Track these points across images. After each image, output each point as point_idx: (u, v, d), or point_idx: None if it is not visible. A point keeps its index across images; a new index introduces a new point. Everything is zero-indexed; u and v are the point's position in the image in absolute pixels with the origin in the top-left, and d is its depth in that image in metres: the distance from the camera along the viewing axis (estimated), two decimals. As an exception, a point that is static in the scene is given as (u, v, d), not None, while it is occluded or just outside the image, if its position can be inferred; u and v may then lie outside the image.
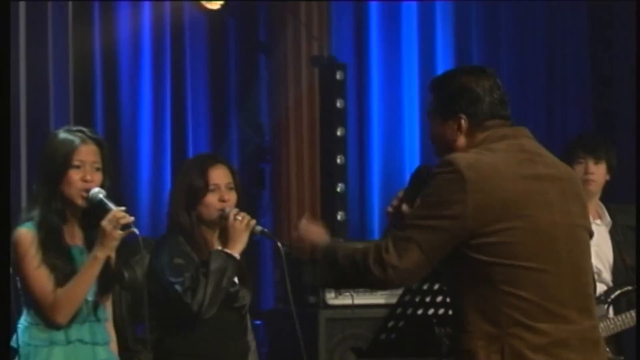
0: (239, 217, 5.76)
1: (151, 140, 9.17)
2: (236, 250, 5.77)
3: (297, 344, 6.48)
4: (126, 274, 5.92)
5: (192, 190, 5.88)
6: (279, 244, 6.20)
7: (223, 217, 5.80)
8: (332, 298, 7.31)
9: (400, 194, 4.57)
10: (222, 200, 5.83)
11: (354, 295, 7.30)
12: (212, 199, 5.83)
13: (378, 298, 7.22)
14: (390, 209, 4.56)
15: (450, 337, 4.30)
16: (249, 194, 6.11)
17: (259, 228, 5.89)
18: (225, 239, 5.85)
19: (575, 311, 4.14)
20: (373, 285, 4.30)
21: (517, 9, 9.94)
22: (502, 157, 4.21)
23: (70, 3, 8.67)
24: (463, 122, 4.34)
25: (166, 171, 8.96)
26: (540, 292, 4.11)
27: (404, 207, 4.49)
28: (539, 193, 4.15)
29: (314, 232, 4.40)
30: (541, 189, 4.16)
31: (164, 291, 5.72)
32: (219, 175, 5.90)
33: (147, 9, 9.15)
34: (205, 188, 5.85)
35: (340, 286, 4.62)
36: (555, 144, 9.19)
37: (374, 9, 9.63)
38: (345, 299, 7.31)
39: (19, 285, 5.47)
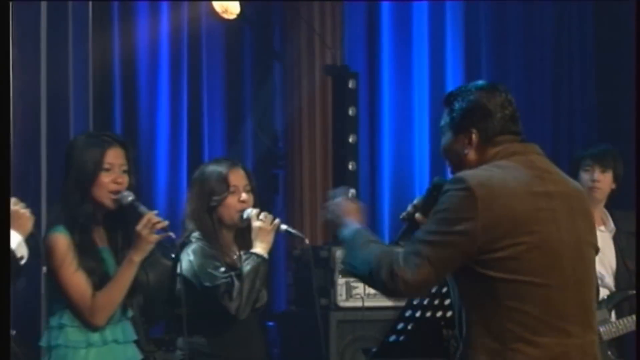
0: (262, 217, 5.76)
1: (168, 144, 9.17)
2: (264, 251, 5.77)
3: (309, 345, 6.48)
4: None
5: (214, 193, 5.87)
6: (307, 240, 6.25)
7: (243, 218, 5.80)
8: (343, 300, 7.33)
9: (417, 202, 4.58)
10: (241, 201, 5.82)
11: (364, 298, 7.32)
12: (232, 200, 5.83)
13: (387, 301, 7.22)
14: (404, 215, 4.59)
15: (460, 353, 4.27)
16: (262, 199, 6.08)
17: (284, 227, 5.93)
18: (245, 239, 5.87)
19: (578, 326, 4.15)
20: (381, 291, 4.26)
21: (525, 11, 9.95)
22: (512, 174, 4.21)
23: (90, 9, 8.69)
24: (474, 136, 4.33)
25: (182, 174, 8.98)
26: (544, 307, 4.12)
27: (418, 215, 4.52)
28: (547, 210, 4.15)
29: (350, 209, 4.43)
30: (549, 206, 4.16)
31: (202, 294, 5.70)
32: (238, 178, 5.90)
33: (165, 16, 9.16)
34: (226, 191, 5.83)
35: (351, 273, 4.60)
36: (561, 149, 9.21)
37: (386, 18, 9.62)
38: (356, 302, 7.33)
39: (43, 287, 5.51)
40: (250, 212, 5.80)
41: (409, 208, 4.58)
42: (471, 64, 9.68)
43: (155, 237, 5.36)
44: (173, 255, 6.05)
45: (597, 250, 4.33)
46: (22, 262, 4.98)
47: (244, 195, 5.84)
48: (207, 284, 5.65)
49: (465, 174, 4.21)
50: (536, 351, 4.09)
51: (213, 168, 6.09)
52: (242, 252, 5.80)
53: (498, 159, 4.30)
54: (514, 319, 4.07)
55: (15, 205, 4.99)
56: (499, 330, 4.08)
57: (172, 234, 5.52)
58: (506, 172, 4.22)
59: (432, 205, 4.30)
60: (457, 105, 4.39)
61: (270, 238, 5.80)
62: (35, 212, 5.70)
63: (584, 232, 4.24)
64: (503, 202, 4.09)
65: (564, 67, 9.79)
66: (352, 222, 4.37)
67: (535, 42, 9.92)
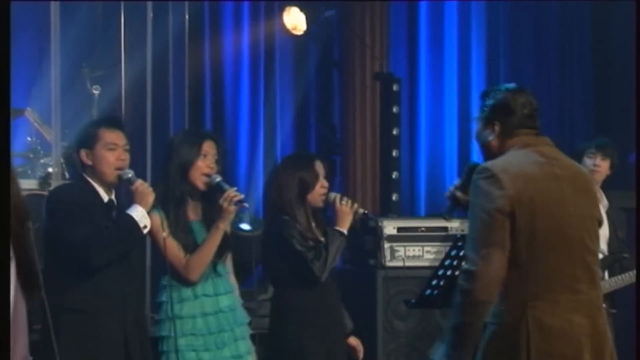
0: (344, 202, 5.78)
1: (248, 136, 9.23)
2: (345, 228, 5.75)
3: (362, 296, 6.43)
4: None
5: (304, 182, 5.81)
6: (379, 223, 6.21)
7: (328, 202, 5.81)
8: (388, 261, 7.29)
9: (457, 182, 4.62)
10: (323, 187, 5.81)
11: (405, 259, 7.31)
12: (319, 189, 5.81)
13: (424, 261, 7.26)
14: (448, 194, 4.63)
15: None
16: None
17: (361, 210, 5.91)
18: (317, 218, 5.85)
19: (584, 284, 4.17)
20: (479, 297, 4.12)
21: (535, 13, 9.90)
22: (527, 161, 4.24)
23: (187, 25, 8.75)
24: (497, 128, 4.36)
25: (259, 161, 9.02)
26: (557, 270, 4.14)
27: (458, 193, 4.55)
28: (556, 189, 4.17)
29: None
30: (557, 186, 4.18)
31: (294, 257, 5.69)
32: (321, 168, 5.86)
33: (246, 32, 9.22)
34: (315, 180, 5.82)
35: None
36: (563, 140, 9.17)
37: (424, 34, 9.61)
38: (398, 262, 7.31)
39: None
40: (332, 196, 5.80)
41: (451, 188, 4.61)
42: (491, 66, 9.66)
43: (233, 208, 5.33)
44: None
45: (600, 223, 4.35)
46: (145, 231, 5.05)
47: (324, 183, 5.81)
48: (299, 248, 5.65)
49: (488, 163, 4.26)
50: (552, 306, 4.12)
51: (302, 162, 6.07)
52: (328, 228, 5.78)
53: (516, 148, 4.32)
54: (532, 280, 4.10)
55: (142, 185, 5.05)
56: (521, 290, 4.11)
57: (246, 205, 5.49)
58: (522, 160, 4.25)
59: (469, 183, 4.32)
60: (487, 102, 4.42)
61: (349, 218, 5.77)
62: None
63: (588, 207, 4.26)
64: (521, 183, 4.12)
65: (567, 68, 9.71)
66: None
67: (543, 45, 9.86)
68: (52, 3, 7.86)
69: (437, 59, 9.61)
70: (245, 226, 6.45)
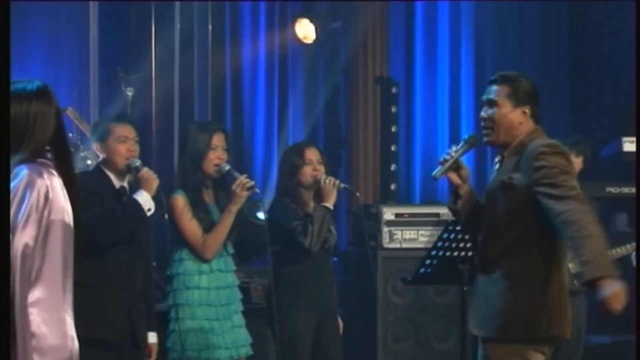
0: (328, 180, 5.81)
1: (264, 135, 9.25)
2: (330, 203, 5.78)
3: (363, 275, 6.46)
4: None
5: (293, 164, 5.91)
6: (357, 194, 6.23)
7: (316, 181, 5.83)
8: (387, 243, 7.34)
9: (453, 151, 4.43)
10: (314, 170, 5.86)
11: (402, 241, 7.34)
12: (307, 170, 5.85)
13: (419, 244, 7.31)
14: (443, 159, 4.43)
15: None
16: (330, 172, 6.12)
17: (342, 185, 5.93)
18: (319, 197, 5.86)
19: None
20: None
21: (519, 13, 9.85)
22: None
23: (210, 33, 8.77)
24: (527, 111, 4.30)
25: (274, 156, 9.00)
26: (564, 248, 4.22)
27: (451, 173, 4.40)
28: None
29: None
30: None
31: (286, 233, 5.73)
32: (312, 154, 5.90)
33: (262, 40, 9.24)
34: (302, 163, 5.87)
35: None
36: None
37: (419, 43, 9.61)
38: (396, 244, 7.34)
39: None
40: (320, 177, 5.82)
41: (447, 156, 4.41)
42: (478, 70, 9.60)
43: (245, 193, 5.36)
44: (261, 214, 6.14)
45: None
46: (149, 213, 5.07)
47: (316, 166, 5.85)
48: (286, 226, 5.70)
49: (552, 141, 4.29)
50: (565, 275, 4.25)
51: (294, 148, 6.21)
52: (314, 204, 5.83)
53: (538, 134, 4.32)
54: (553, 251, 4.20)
55: (147, 172, 5.06)
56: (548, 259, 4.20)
57: (257, 190, 5.50)
58: None
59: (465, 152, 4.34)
60: (519, 85, 4.32)
61: (334, 194, 5.80)
62: (170, 179, 5.85)
63: None
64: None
65: (545, 71, 9.62)
66: None
67: (525, 49, 9.83)
68: (91, 15, 7.96)
69: (431, 65, 9.62)
70: (261, 215, 6.48)
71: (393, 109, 8.54)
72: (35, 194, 2.99)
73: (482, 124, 4.38)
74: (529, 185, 4.15)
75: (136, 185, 5.11)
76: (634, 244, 6.42)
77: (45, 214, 3.01)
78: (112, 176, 5.08)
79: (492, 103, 4.33)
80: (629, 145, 7.25)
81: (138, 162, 5.10)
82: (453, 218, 4.77)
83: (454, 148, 4.39)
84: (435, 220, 7.38)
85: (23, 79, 3.26)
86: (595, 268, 3.90)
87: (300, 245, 5.68)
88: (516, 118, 4.28)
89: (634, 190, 6.99)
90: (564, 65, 9.80)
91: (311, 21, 8.75)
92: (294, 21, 8.86)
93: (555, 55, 9.79)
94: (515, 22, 9.79)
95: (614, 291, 3.91)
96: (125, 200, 5.07)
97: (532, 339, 4.16)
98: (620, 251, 6.42)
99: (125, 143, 5.08)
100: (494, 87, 4.36)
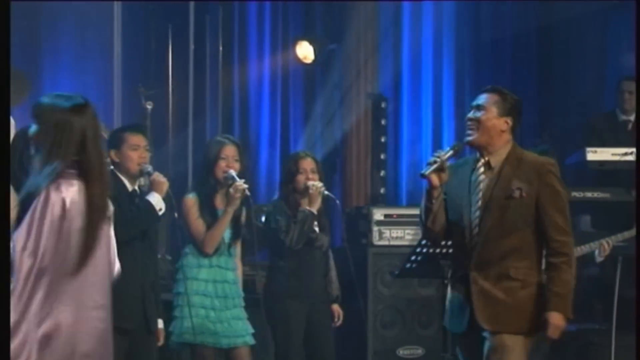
0: (314, 187, 5.79)
1: (268, 145, 9.23)
2: (314, 208, 5.77)
3: (355, 269, 6.44)
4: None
5: (288, 171, 5.95)
6: (337, 201, 6.23)
7: (306, 187, 5.81)
8: (377, 240, 7.31)
9: (441, 155, 4.29)
10: (307, 178, 5.84)
11: (390, 239, 7.32)
12: (300, 177, 5.85)
13: (405, 241, 7.27)
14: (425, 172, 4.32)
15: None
16: (325, 179, 6.10)
17: (326, 193, 5.89)
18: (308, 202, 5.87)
19: None
20: None
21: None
22: None
23: (220, 54, 8.76)
24: (509, 122, 4.27)
25: (276, 164, 9.01)
26: None
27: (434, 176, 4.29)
28: None
29: None
30: None
31: (273, 232, 5.79)
32: (306, 163, 5.90)
33: (266, 62, 9.25)
34: (297, 171, 5.88)
35: None
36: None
37: (406, 64, 9.58)
38: (384, 241, 7.31)
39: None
40: (308, 184, 5.81)
41: (436, 158, 4.28)
42: (458, 88, 9.56)
43: (238, 195, 5.35)
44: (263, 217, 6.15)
45: None
46: (160, 212, 5.07)
47: (309, 175, 5.85)
48: (274, 226, 5.77)
49: (552, 160, 4.40)
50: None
51: (291, 158, 6.21)
52: (300, 208, 5.81)
53: (518, 147, 4.32)
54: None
55: (158, 176, 5.07)
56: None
57: (248, 193, 5.44)
58: None
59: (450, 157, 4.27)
60: (509, 96, 4.30)
61: (318, 199, 5.80)
62: (184, 183, 5.81)
63: None
64: None
65: (517, 85, 9.33)
66: None
67: (499, 67, 9.75)
68: (115, 36, 7.97)
69: (416, 83, 9.60)
70: (263, 219, 6.47)
71: (382, 122, 8.50)
72: (49, 209, 2.95)
73: (468, 124, 4.32)
74: (536, 197, 4.20)
75: (149, 188, 5.13)
76: (596, 242, 6.45)
77: (65, 223, 2.99)
78: (125, 180, 5.09)
79: (480, 107, 4.29)
80: (591, 155, 7.28)
81: (150, 167, 5.12)
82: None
83: (441, 152, 4.32)
84: (419, 221, 7.31)
85: (65, 93, 3.22)
86: (564, 304, 4.16)
87: (282, 243, 5.70)
88: (499, 125, 4.24)
89: (596, 194, 7.04)
90: (533, 83, 9.77)
91: (310, 43, 8.77)
92: (294, 43, 8.88)
93: (526, 74, 9.75)
94: (490, 46, 9.75)
95: (562, 328, 4.19)
96: (137, 202, 5.08)
97: (532, 331, 4.23)
98: (584, 249, 6.42)
99: (137, 150, 5.08)
100: (484, 95, 4.33)
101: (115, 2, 8.10)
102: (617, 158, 7.12)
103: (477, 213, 4.24)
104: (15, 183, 3.35)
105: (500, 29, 9.68)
